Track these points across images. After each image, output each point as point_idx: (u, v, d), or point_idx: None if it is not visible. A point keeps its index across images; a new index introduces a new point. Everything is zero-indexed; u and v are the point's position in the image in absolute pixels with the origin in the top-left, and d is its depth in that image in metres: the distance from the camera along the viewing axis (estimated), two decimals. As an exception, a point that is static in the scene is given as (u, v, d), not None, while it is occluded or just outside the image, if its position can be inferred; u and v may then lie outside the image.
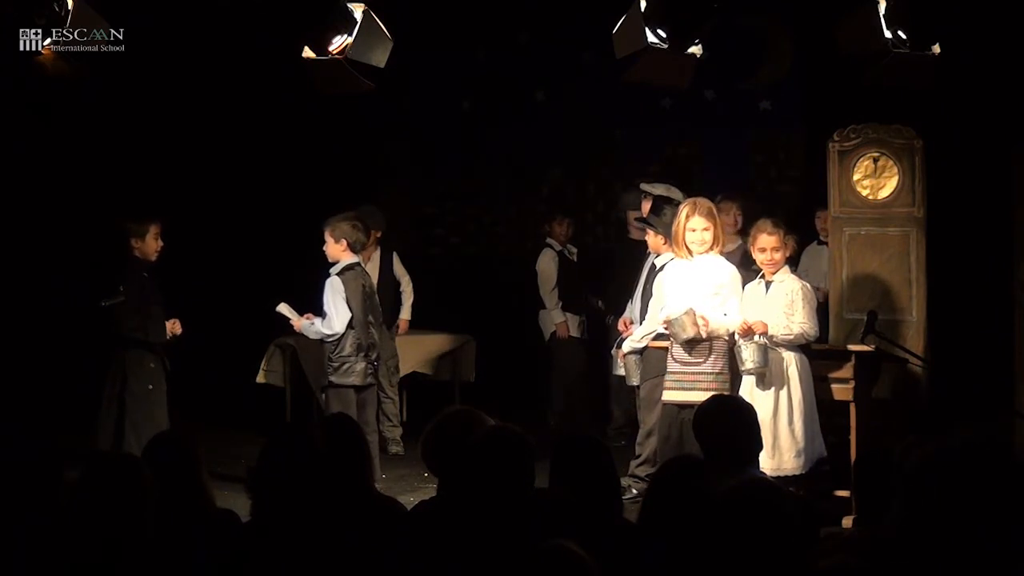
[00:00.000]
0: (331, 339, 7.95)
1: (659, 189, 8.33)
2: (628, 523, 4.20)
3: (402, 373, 9.81)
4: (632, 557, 3.88)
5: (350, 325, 7.95)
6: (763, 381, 6.98)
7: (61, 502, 3.98)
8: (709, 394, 6.78)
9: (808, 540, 3.76)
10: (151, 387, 7.87)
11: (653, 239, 8.06)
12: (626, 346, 7.96)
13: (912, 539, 3.42)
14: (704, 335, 7.06)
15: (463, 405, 6.85)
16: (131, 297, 7.81)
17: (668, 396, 7.25)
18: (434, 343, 10.24)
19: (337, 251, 8.05)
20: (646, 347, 7.78)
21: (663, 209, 7.94)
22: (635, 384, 8.00)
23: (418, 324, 10.15)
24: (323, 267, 8.23)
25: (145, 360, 7.86)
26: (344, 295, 7.94)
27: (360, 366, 8.00)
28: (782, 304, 7.08)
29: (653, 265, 8.02)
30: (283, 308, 8.13)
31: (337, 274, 8.01)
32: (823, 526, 4.43)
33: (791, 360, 7.05)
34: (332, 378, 7.96)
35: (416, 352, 10.06)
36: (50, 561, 3.74)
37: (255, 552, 3.86)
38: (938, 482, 3.44)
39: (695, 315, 7.06)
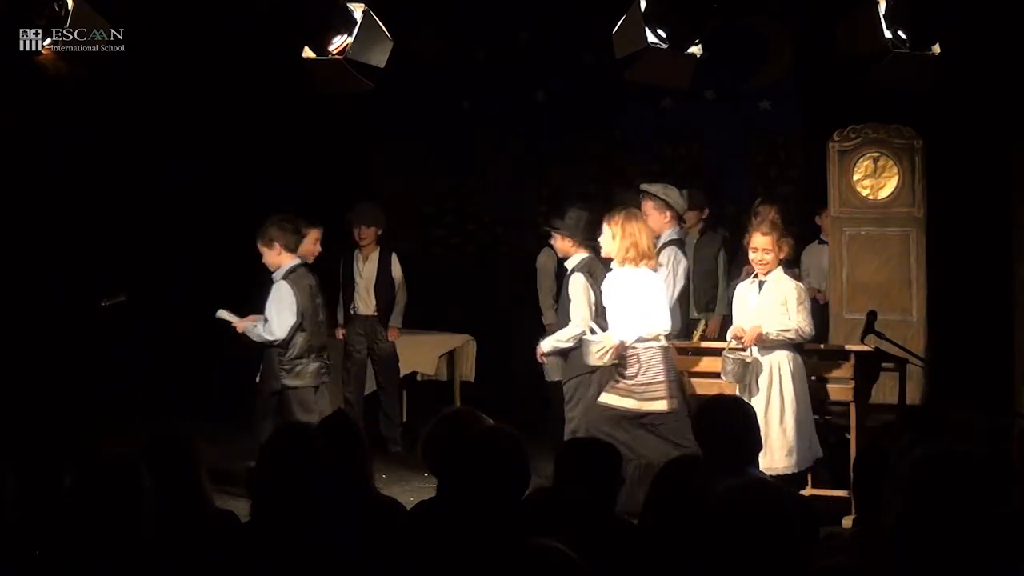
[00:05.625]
0: (274, 344, 7.79)
1: (656, 188, 8.35)
2: (628, 523, 4.20)
3: (402, 373, 9.81)
4: (632, 557, 3.88)
5: (301, 328, 7.81)
6: (747, 391, 6.98)
7: (61, 502, 3.99)
8: (640, 403, 7.16)
9: (808, 540, 3.76)
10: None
11: (561, 242, 7.98)
12: (547, 346, 7.90)
13: (908, 541, 3.42)
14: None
15: (463, 405, 6.85)
16: None
17: (607, 399, 7.33)
18: (434, 343, 10.23)
19: (274, 257, 7.86)
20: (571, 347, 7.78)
21: (567, 212, 7.97)
22: (555, 380, 8.06)
23: (418, 324, 10.15)
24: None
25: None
26: (292, 300, 7.77)
27: (313, 366, 7.87)
28: (776, 303, 7.08)
29: (564, 268, 8.03)
30: (222, 313, 8.00)
31: (282, 278, 7.83)
32: (823, 526, 4.43)
33: (784, 359, 7.05)
34: (286, 381, 7.79)
35: (416, 352, 10.06)
36: (48, 561, 3.74)
37: (255, 552, 3.86)
38: (933, 485, 3.44)
39: (615, 350, 7.24)
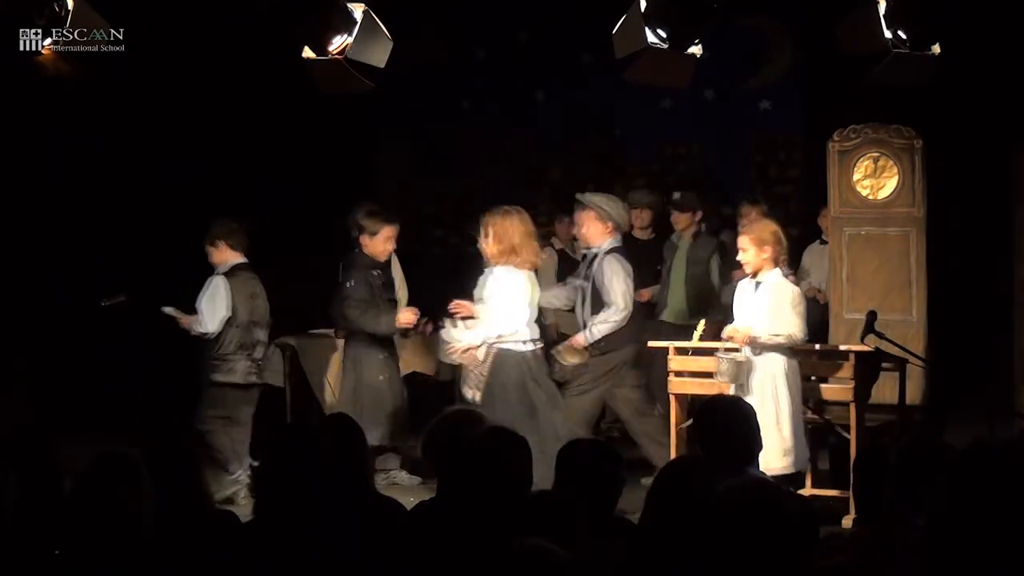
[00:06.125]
0: (206, 337, 7.90)
1: (597, 199, 8.14)
2: (628, 523, 4.20)
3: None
4: (632, 557, 3.88)
5: (235, 325, 7.92)
6: (742, 391, 6.95)
7: (61, 502, 3.99)
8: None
9: (808, 540, 3.76)
10: (382, 377, 8.18)
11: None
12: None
13: (951, 538, 3.42)
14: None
15: (463, 405, 6.83)
16: (356, 292, 8.08)
17: None
18: (434, 343, 10.20)
19: (219, 255, 8.04)
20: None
21: None
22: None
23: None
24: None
25: (374, 351, 8.16)
26: (224, 295, 7.90)
27: (242, 364, 7.96)
28: (770, 305, 7.02)
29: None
30: (168, 309, 8.09)
31: (224, 273, 7.99)
32: (823, 526, 4.43)
33: (779, 360, 7.01)
34: (214, 376, 7.91)
35: (416, 352, 10.04)
36: (47, 560, 3.74)
37: (255, 552, 3.86)
38: (982, 479, 3.45)
39: (462, 349, 7.60)
